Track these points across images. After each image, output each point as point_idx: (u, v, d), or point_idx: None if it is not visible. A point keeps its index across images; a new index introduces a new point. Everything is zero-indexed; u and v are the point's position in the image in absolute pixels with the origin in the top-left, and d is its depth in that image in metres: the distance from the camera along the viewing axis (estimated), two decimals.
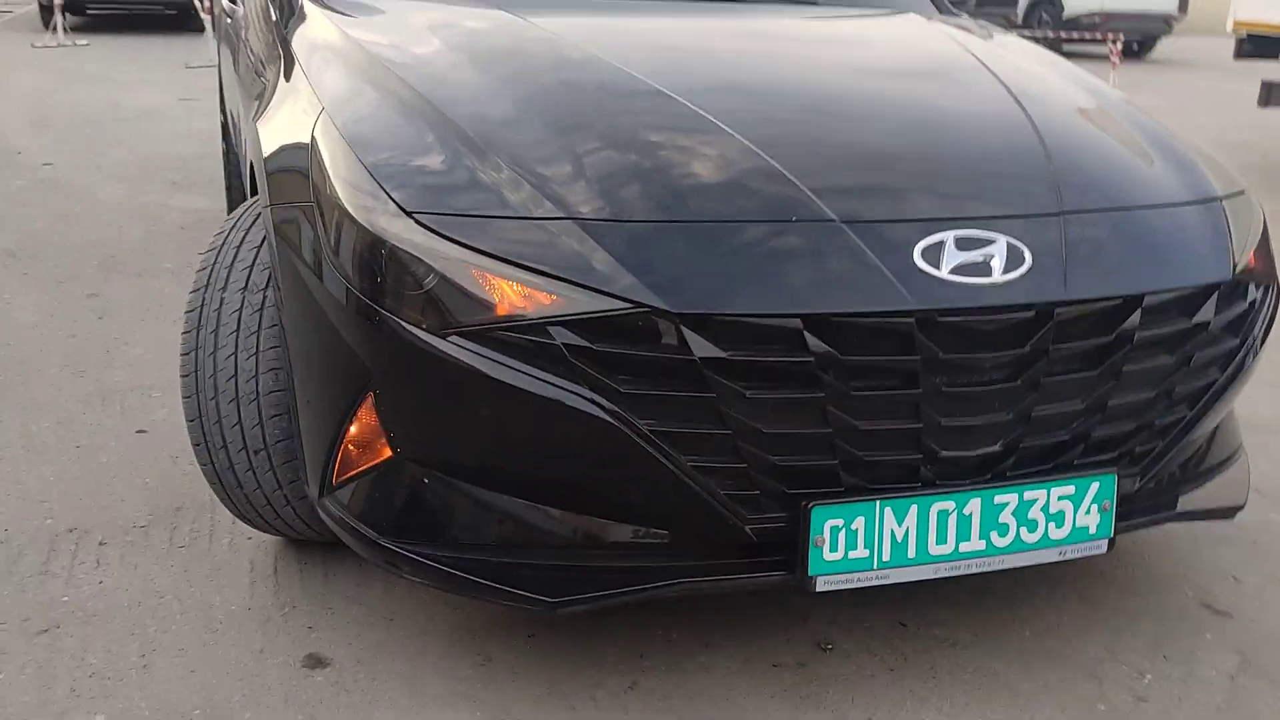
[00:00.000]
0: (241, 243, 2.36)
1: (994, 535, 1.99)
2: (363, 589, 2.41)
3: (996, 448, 1.97)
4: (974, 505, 1.97)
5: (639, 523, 1.93)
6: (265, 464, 2.32)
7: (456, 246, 1.85)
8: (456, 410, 1.89)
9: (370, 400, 1.96)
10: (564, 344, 1.80)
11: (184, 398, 2.36)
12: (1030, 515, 2.00)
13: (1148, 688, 2.16)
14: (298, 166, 2.16)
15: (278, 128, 2.37)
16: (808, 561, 1.90)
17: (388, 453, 2.00)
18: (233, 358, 2.30)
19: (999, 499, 1.98)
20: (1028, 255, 1.94)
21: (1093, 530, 2.06)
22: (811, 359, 1.82)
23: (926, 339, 1.85)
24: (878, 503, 1.91)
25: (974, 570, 2.00)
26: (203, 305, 2.34)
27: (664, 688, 2.10)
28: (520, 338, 1.82)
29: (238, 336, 2.30)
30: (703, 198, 1.94)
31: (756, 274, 1.84)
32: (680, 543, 1.94)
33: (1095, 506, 2.04)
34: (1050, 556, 2.05)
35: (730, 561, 1.94)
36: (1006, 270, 1.92)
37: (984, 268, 1.91)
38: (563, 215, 1.87)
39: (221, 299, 2.32)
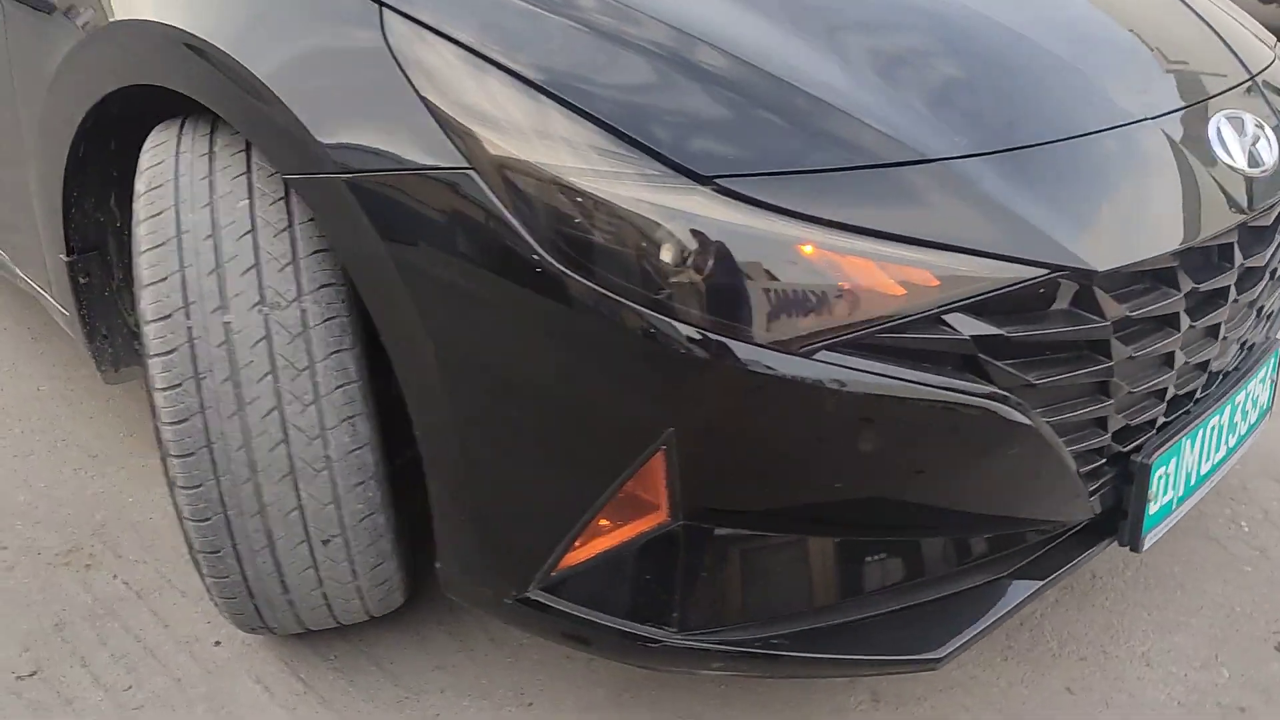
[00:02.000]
0: (249, 232, 1.51)
1: (1229, 437, 1.86)
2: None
3: (1243, 350, 1.81)
4: (1226, 412, 1.81)
5: (997, 529, 1.54)
6: (340, 553, 1.58)
7: (795, 221, 1.28)
8: (806, 445, 1.35)
9: (660, 455, 1.35)
10: (972, 335, 1.33)
11: (188, 488, 1.52)
12: (1245, 406, 1.88)
13: None
14: (380, 109, 1.37)
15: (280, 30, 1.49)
16: (1141, 521, 1.64)
17: (658, 520, 1.41)
18: (276, 414, 1.49)
19: (1237, 399, 1.84)
20: (1270, 131, 1.74)
21: (1264, 404, 1.99)
22: (1179, 296, 1.51)
23: (1240, 248, 1.61)
24: (1184, 438, 1.68)
25: (1217, 479, 1.86)
26: (191, 339, 1.48)
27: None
28: (902, 337, 1.32)
29: (276, 381, 1.49)
30: (1059, 118, 1.49)
31: (1137, 205, 1.47)
32: (1027, 542, 1.58)
33: (1269, 382, 1.97)
34: (1250, 441, 1.96)
35: (1069, 545, 1.63)
36: (1269, 151, 1.70)
37: (1257, 155, 1.68)
38: (929, 156, 1.35)
39: (227, 328, 1.48)
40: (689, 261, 1.28)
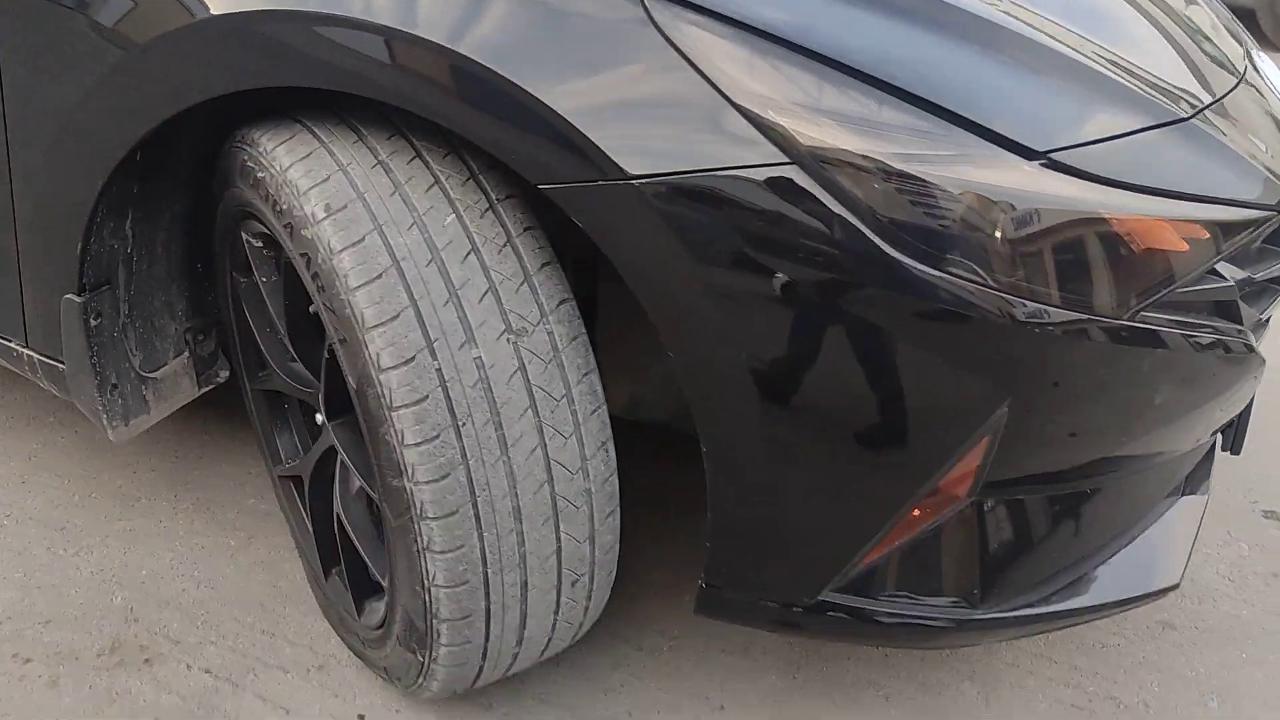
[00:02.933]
0: (471, 251, 1.30)
1: None
2: None
3: None
4: None
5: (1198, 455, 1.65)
6: (582, 592, 1.45)
7: (1114, 190, 1.29)
8: (1115, 405, 1.38)
9: (987, 438, 1.32)
10: (1235, 280, 1.40)
11: (447, 552, 1.31)
12: None
13: None
14: (670, 105, 1.22)
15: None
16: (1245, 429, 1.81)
17: (959, 499, 1.39)
18: (539, 452, 1.32)
19: None
20: None
21: None
22: None
23: None
24: None
25: None
26: (444, 382, 1.27)
27: None
28: (1191, 290, 1.37)
29: (536, 416, 1.31)
30: (1214, 77, 1.57)
31: None
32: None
33: None
34: None
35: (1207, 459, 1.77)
36: None
37: None
38: (1184, 116, 1.39)
39: (479, 364, 1.28)
40: (1027, 238, 1.25)
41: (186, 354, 1.79)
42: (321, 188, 1.32)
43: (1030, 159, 1.25)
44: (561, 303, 1.35)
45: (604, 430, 1.38)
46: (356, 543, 1.59)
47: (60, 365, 1.67)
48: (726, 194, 1.22)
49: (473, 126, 1.27)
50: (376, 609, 1.58)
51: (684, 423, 1.37)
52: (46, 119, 1.49)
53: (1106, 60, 1.41)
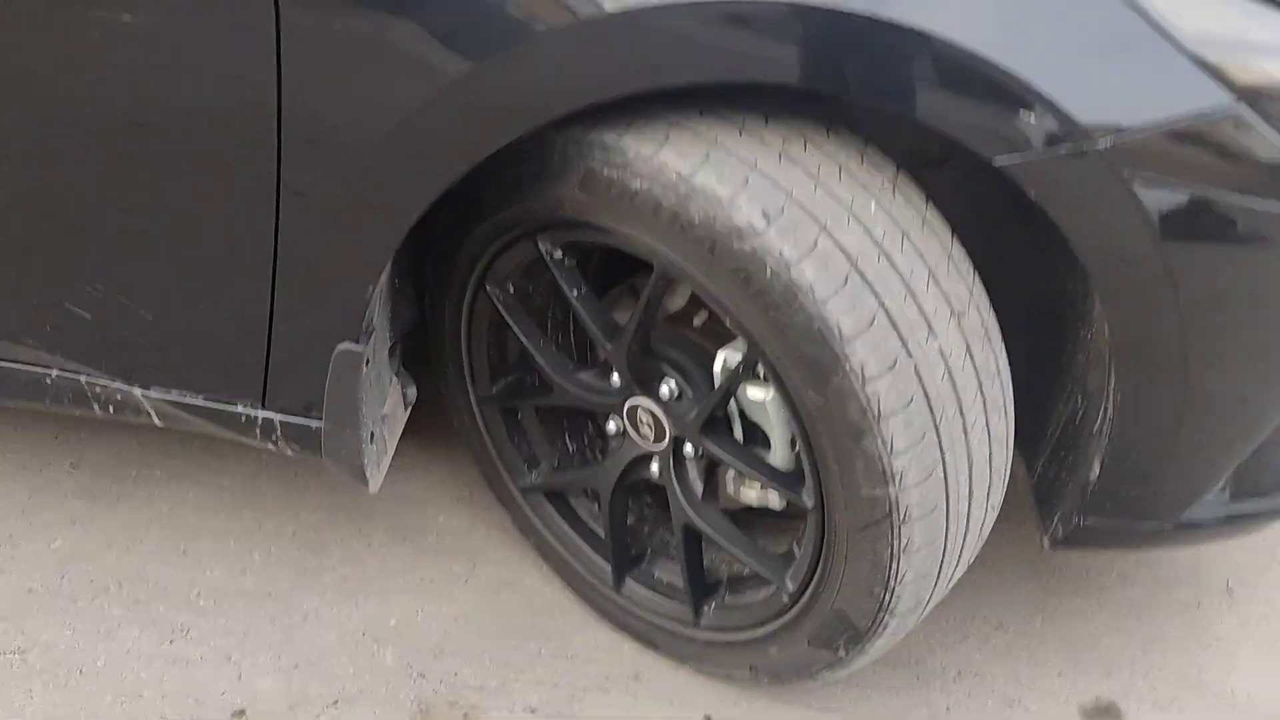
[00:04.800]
0: (904, 236, 1.23)
1: None
2: None
3: None
4: None
5: None
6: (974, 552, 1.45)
7: None
8: None
9: None
10: None
11: (923, 548, 1.28)
12: None
13: None
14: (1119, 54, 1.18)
15: None
16: None
17: None
18: (984, 432, 1.31)
19: None
20: None
21: None
22: None
23: None
24: None
25: None
26: (921, 382, 1.22)
27: None
28: None
29: (982, 395, 1.29)
30: None
31: None
32: None
33: None
34: None
35: None
36: None
37: None
38: None
39: (943, 355, 1.24)
40: None
41: (394, 379, 1.60)
42: (747, 192, 1.20)
43: None
44: (974, 272, 1.32)
45: (1010, 403, 1.37)
46: (727, 547, 1.50)
47: (314, 424, 1.46)
48: (1189, 151, 1.20)
49: (924, 105, 1.18)
50: (736, 608, 1.52)
51: None
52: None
53: None
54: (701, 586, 1.55)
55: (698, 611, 1.55)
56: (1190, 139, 1.19)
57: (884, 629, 1.38)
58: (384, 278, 1.39)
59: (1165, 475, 1.42)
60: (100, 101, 1.31)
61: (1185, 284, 1.23)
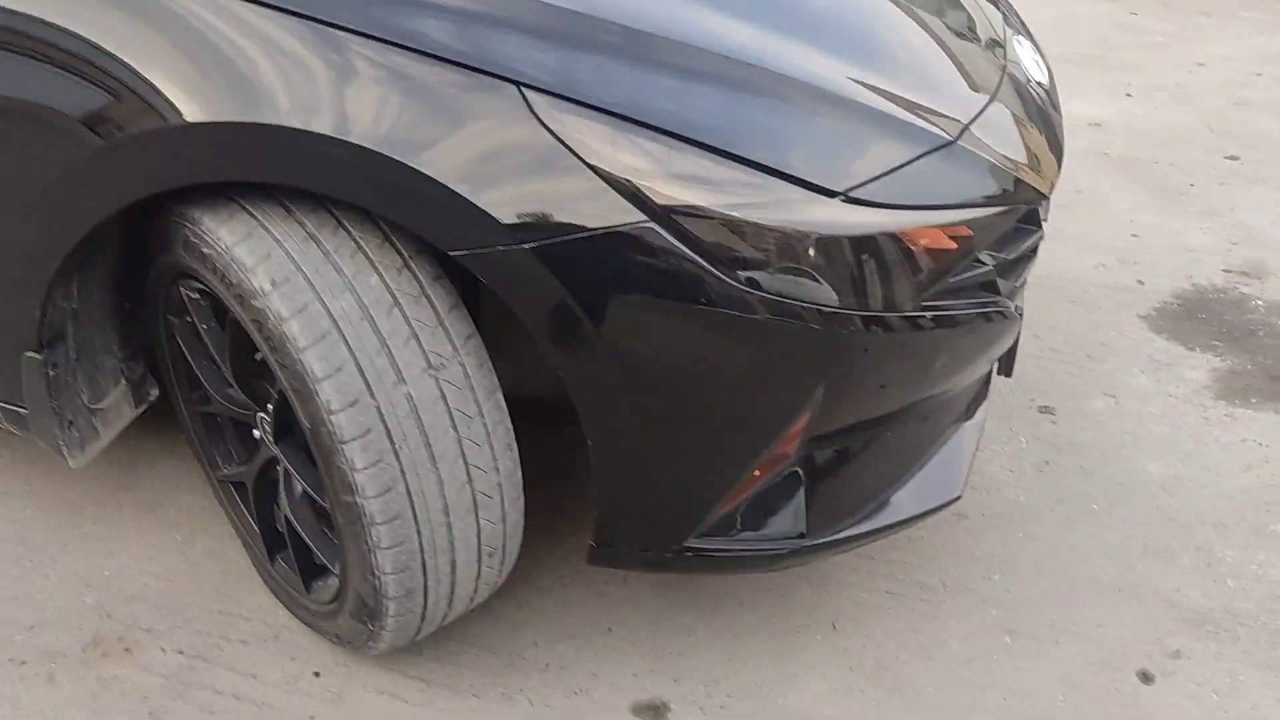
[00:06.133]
0: (394, 305, 1.61)
1: None
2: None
3: None
4: None
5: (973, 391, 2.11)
6: (497, 560, 1.84)
7: (900, 211, 1.65)
8: (906, 372, 1.80)
9: (808, 410, 1.72)
10: (993, 264, 1.80)
11: (392, 547, 1.67)
12: None
13: None
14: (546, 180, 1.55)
15: None
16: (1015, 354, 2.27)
17: (788, 458, 1.79)
18: (460, 460, 1.67)
19: None
20: None
21: None
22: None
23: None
24: None
25: None
26: (382, 418, 1.60)
27: None
28: (960, 278, 1.76)
29: (456, 432, 1.66)
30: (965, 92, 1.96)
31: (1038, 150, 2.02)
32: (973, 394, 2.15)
33: None
34: None
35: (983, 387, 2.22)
36: None
37: None
38: (951, 138, 1.76)
39: (410, 399, 1.61)
40: (840, 260, 1.62)
41: (124, 381, 2.04)
42: (266, 264, 1.61)
43: (831, 197, 1.61)
44: (469, 337, 1.68)
45: (508, 435, 1.72)
46: (305, 537, 1.91)
47: (22, 410, 1.92)
48: (598, 251, 1.56)
49: (391, 206, 1.57)
50: (326, 587, 1.92)
51: (563, 397, 1.69)
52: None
53: (885, 94, 1.77)
54: (310, 566, 1.95)
55: (308, 586, 1.95)
56: (603, 245, 1.55)
57: (387, 611, 1.75)
58: (57, 304, 1.82)
59: (639, 506, 1.77)
60: None
61: (600, 355, 1.59)
